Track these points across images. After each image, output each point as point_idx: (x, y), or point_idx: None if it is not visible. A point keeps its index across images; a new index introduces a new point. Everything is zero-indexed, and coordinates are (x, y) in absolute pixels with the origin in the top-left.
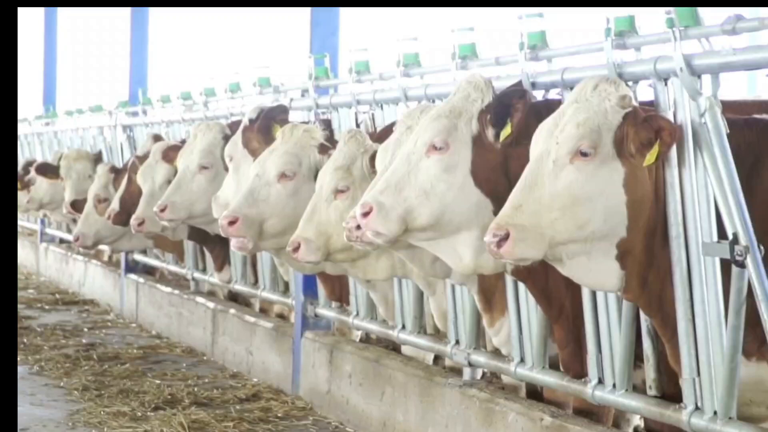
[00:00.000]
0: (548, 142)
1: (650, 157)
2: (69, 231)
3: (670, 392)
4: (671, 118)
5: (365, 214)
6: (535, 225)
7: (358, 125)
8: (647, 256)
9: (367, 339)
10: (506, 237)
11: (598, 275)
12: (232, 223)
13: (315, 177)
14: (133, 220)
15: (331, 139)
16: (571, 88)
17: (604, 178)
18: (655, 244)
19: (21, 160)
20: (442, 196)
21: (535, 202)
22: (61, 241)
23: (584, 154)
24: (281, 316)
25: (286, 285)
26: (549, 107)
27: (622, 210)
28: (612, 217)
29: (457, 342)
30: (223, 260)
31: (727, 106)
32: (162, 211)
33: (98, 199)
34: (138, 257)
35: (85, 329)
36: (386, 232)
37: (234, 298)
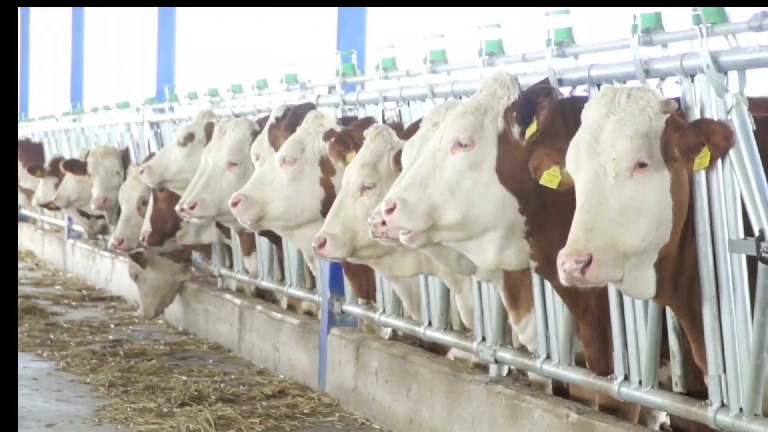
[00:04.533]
0: (597, 159)
1: (700, 161)
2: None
3: (696, 389)
4: (698, 116)
5: (390, 211)
6: (611, 243)
7: (384, 122)
8: (679, 257)
9: (394, 336)
10: (589, 261)
11: (642, 284)
12: (234, 204)
13: (320, 162)
14: (185, 205)
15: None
16: (598, 85)
17: (657, 186)
18: (684, 245)
19: (48, 157)
20: (467, 193)
21: (604, 221)
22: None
23: (642, 165)
24: (309, 313)
25: (313, 281)
26: (575, 104)
27: (670, 215)
28: (663, 223)
29: (484, 339)
30: (250, 246)
31: (754, 103)
32: (192, 208)
33: (143, 200)
34: None
35: (112, 325)
36: (411, 229)
37: (261, 294)
